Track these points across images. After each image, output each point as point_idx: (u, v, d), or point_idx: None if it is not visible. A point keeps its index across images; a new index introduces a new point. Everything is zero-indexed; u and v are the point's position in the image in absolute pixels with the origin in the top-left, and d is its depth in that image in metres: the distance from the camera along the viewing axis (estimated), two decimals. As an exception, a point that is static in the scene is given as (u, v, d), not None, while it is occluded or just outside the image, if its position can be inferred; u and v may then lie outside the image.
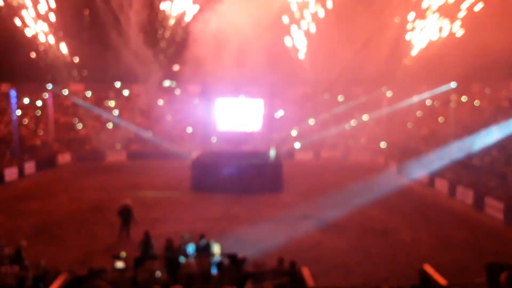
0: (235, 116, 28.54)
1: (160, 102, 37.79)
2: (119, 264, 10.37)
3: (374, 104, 37.73)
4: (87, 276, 9.49)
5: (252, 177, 24.10)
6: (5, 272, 10.49)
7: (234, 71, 31.62)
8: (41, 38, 33.44)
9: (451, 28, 32.68)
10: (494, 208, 20.44)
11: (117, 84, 39.63)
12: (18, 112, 33.15)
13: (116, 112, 39.52)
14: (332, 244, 16.25)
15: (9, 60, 31.37)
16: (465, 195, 23.09)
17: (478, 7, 30.35)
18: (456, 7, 31.99)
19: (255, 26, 28.91)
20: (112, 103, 40.12)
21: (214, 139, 31.10)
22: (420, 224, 18.94)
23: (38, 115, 37.45)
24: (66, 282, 9.12)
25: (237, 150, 30.14)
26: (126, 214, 16.45)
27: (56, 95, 36.99)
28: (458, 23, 32.23)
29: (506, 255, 14.74)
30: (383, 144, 36.36)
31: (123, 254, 10.74)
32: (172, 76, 37.67)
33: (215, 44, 31.03)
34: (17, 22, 32.66)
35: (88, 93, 39.96)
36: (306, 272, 10.49)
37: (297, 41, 35.44)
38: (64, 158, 34.31)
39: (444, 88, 30.96)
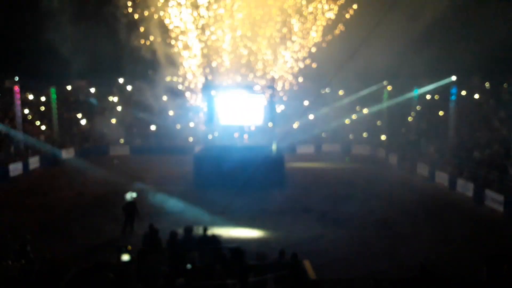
0: (236, 110, 28.59)
1: (163, 97, 37.91)
2: (125, 257, 10.57)
3: (375, 98, 37.76)
4: (92, 269, 9.69)
5: (254, 171, 24.21)
6: (10, 266, 10.67)
7: (237, 66, 31.66)
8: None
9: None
10: (494, 201, 20.58)
11: (120, 80, 39.80)
12: (23, 108, 33.31)
13: (119, 108, 39.71)
14: (333, 237, 16.43)
15: (14, 56, 31.56)
16: (466, 188, 23.23)
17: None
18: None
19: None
20: (115, 99, 40.34)
21: (216, 134, 31.18)
22: (421, 217, 19.06)
23: (42, 110, 37.64)
24: (72, 275, 9.35)
25: (239, 144, 30.28)
26: (130, 208, 16.72)
27: (60, 91, 37.16)
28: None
29: (506, 247, 14.90)
30: (383, 138, 36.47)
31: (129, 247, 10.91)
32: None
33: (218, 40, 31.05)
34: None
35: (92, 89, 40.25)
36: (307, 264, 10.69)
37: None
38: (68, 153, 34.55)
39: (444, 81, 30.94)
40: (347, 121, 38.76)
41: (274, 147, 26.62)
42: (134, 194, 17.15)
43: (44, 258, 11.46)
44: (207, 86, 28.95)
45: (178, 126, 37.70)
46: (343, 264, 13.90)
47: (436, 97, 38.15)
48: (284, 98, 35.15)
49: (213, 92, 28.33)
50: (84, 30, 30.53)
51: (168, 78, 34.73)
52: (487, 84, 37.37)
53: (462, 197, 22.93)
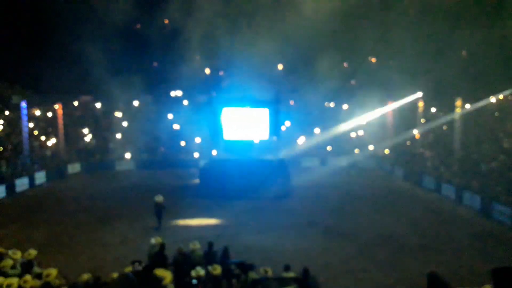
0: (241, 125, 28.67)
1: (169, 113, 38.11)
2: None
3: (380, 112, 37.75)
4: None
5: (259, 184, 24.24)
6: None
7: (241, 80, 31.87)
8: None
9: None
10: (502, 213, 20.42)
11: (127, 95, 40.02)
12: (29, 123, 33.55)
13: (125, 123, 39.85)
14: (340, 251, 16.35)
15: (21, 72, 31.93)
16: (473, 201, 23.07)
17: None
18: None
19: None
20: (120, 114, 40.53)
21: (221, 148, 31.27)
22: (427, 230, 18.98)
23: (49, 126, 37.87)
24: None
25: (244, 158, 30.38)
26: (159, 209, 19.04)
27: (66, 106, 37.44)
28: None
29: (514, 260, 14.78)
30: (388, 151, 36.39)
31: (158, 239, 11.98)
32: (179, 86, 38.10)
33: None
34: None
35: (98, 104, 40.51)
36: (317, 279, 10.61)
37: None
38: (74, 168, 34.68)
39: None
40: (352, 134, 38.75)
41: (279, 160, 26.63)
42: (161, 197, 19.22)
43: (49, 273, 11.43)
44: (213, 101, 29.13)
45: (183, 143, 37.79)
46: (349, 278, 13.83)
47: (440, 112, 37.96)
48: (289, 112, 35.39)
49: (218, 107, 28.46)
50: (91, 45, 30.85)
51: (173, 93, 35.02)
52: (491, 98, 37.24)
53: (469, 210, 22.76)
